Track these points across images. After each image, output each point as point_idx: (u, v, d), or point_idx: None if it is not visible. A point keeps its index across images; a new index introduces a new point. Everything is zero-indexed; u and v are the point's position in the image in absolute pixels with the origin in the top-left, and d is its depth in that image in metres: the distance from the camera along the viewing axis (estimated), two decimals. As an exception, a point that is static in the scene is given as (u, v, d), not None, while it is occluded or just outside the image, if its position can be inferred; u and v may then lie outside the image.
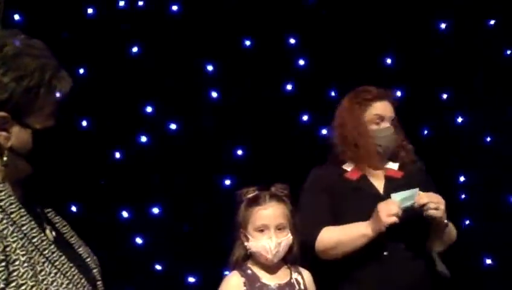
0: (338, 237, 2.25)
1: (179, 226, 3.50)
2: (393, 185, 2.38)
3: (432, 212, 2.21)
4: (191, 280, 3.42)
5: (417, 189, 2.21)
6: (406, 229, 2.19)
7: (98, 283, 1.44)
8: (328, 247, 2.26)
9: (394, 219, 2.13)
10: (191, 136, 3.54)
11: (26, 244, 1.25)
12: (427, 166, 3.53)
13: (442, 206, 2.22)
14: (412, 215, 2.21)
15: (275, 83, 3.55)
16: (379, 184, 2.42)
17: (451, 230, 2.38)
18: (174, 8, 3.62)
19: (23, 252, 1.23)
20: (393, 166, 2.47)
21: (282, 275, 2.11)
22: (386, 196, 2.33)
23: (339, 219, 2.32)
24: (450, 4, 3.60)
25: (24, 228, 1.26)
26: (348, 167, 2.44)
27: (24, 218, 1.28)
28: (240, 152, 3.58)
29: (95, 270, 1.44)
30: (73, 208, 3.43)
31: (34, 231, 1.28)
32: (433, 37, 3.63)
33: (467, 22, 3.58)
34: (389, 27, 3.61)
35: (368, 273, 2.27)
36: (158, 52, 3.59)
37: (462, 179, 3.64)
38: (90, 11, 3.55)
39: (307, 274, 2.17)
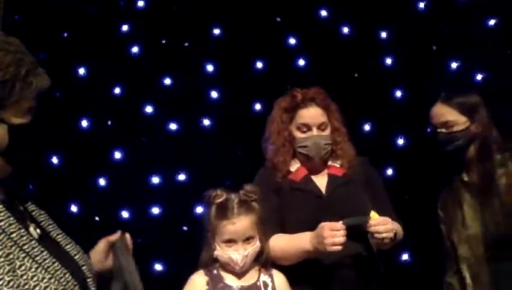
0: (282, 248, 2.23)
1: (179, 226, 3.50)
2: (336, 183, 2.36)
3: (376, 241, 2.17)
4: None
5: (366, 217, 2.15)
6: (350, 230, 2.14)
7: (88, 279, 1.43)
8: (275, 257, 2.24)
9: (338, 249, 2.06)
10: (191, 136, 3.55)
11: (4, 239, 1.25)
12: (428, 166, 3.55)
13: (390, 235, 2.13)
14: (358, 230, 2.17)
15: (275, 82, 3.55)
16: (322, 183, 2.38)
17: (398, 235, 2.27)
18: (175, 8, 3.63)
19: (0, 247, 1.23)
20: (336, 163, 2.43)
21: (249, 277, 2.09)
22: (328, 196, 2.33)
23: (283, 220, 2.31)
24: (450, 4, 3.61)
25: (2, 223, 1.26)
26: (292, 167, 2.43)
27: (2, 214, 1.28)
28: (239, 152, 3.58)
29: (84, 267, 1.44)
30: (74, 208, 3.43)
31: (13, 226, 1.28)
32: (433, 37, 3.63)
33: (466, 22, 3.59)
34: (389, 27, 3.62)
35: (309, 271, 2.25)
36: (158, 52, 3.60)
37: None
38: (90, 11, 3.56)
39: (278, 277, 2.14)
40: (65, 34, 3.52)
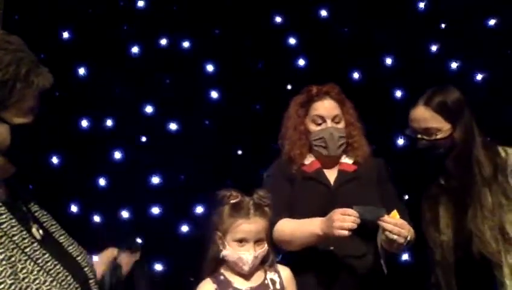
0: (291, 231, 2.25)
1: (179, 226, 3.50)
2: (344, 178, 2.39)
3: (388, 241, 2.13)
4: (191, 280, 3.42)
5: (384, 210, 2.13)
6: (358, 226, 2.10)
7: (91, 281, 1.43)
8: (282, 239, 2.26)
9: (344, 233, 2.06)
10: (191, 136, 3.54)
11: (5, 242, 1.23)
12: (428, 166, 3.55)
13: (401, 240, 2.10)
14: (370, 225, 2.15)
15: (275, 82, 3.55)
16: (332, 177, 2.42)
17: (409, 242, 2.23)
18: (174, 8, 3.63)
19: (2, 250, 1.22)
20: (348, 160, 2.46)
21: (256, 278, 2.09)
22: (335, 189, 2.36)
23: (292, 208, 2.33)
24: (450, 4, 3.61)
25: (4, 226, 1.25)
26: (307, 161, 2.45)
27: (4, 216, 1.27)
28: (239, 152, 3.58)
29: (86, 269, 1.43)
30: (74, 208, 3.43)
31: (15, 229, 1.27)
32: (433, 37, 3.63)
33: (466, 22, 3.58)
34: (389, 27, 3.62)
35: (311, 267, 2.26)
36: (158, 52, 3.59)
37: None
38: (90, 11, 3.56)
39: (285, 272, 2.14)
40: (65, 34, 3.53)
